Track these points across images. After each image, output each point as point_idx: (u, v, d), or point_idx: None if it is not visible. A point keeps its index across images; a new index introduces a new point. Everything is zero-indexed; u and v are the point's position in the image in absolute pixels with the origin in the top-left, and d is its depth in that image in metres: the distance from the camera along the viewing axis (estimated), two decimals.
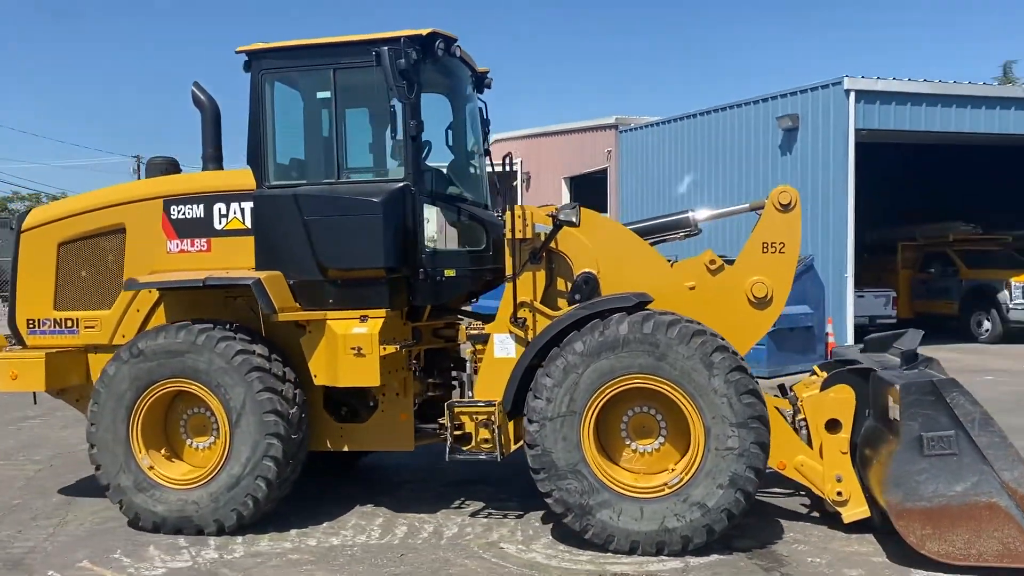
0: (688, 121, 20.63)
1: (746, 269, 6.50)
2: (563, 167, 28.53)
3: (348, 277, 6.42)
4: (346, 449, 6.86)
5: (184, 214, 6.86)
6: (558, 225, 6.34)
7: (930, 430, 5.30)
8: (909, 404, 5.32)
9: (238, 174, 7.08)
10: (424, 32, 6.38)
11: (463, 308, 7.63)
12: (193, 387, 6.33)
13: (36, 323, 7.19)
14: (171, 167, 7.54)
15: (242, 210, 6.75)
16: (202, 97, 7.37)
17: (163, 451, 6.56)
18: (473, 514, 6.73)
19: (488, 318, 7.19)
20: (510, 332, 6.49)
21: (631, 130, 24.30)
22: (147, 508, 6.34)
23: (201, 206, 6.83)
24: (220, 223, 6.79)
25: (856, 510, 5.97)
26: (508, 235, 6.41)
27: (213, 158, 7.39)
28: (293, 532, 6.37)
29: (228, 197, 6.78)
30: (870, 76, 15.84)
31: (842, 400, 6.06)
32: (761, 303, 6.42)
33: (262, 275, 6.34)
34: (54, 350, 7.00)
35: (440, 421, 6.88)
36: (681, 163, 21.17)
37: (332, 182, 6.57)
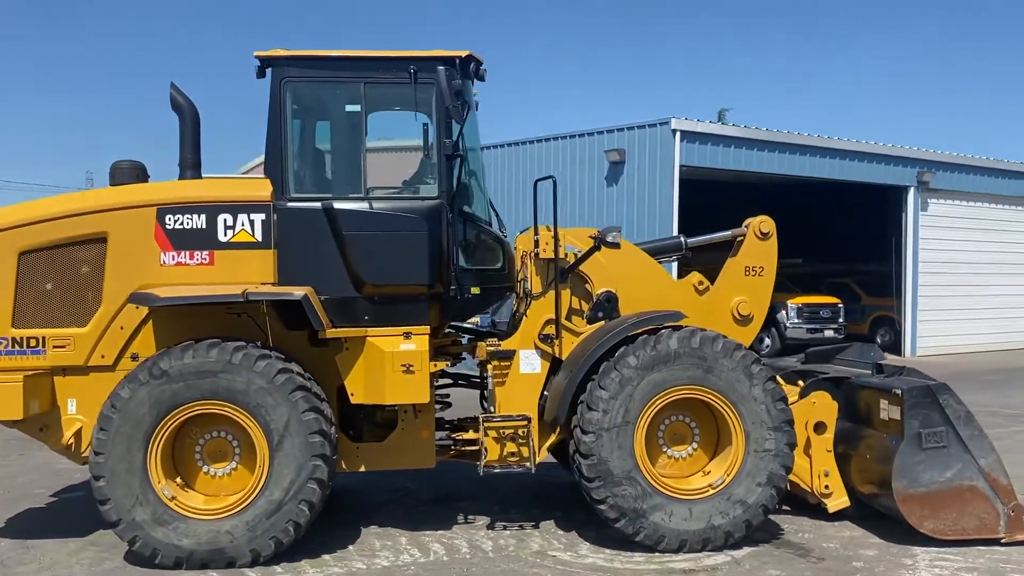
0: (521, 147, 21.57)
1: (730, 290, 7.26)
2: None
3: (386, 293, 6.34)
4: (363, 469, 6.70)
5: (182, 224, 6.40)
6: (597, 247, 6.71)
7: (926, 427, 6.29)
8: (910, 406, 6.28)
9: (247, 183, 6.75)
10: (463, 54, 6.50)
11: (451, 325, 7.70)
12: (226, 409, 5.92)
13: None
14: (141, 172, 6.97)
15: (251, 222, 6.42)
16: (181, 100, 6.93)
17: (177, 480, 6.05)
18: (489, 527, 6.84)
19: (480, 335, 7.39)
20: (536, 348, 6.74)
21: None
22: (170, 543, 5.81)
23: (203, 216, 6.41)
24: (225, 235, 6.41)
25: (839, 501, 6.85)
26: (542, 254, 6.66)
27: (192, 164, 6.96)
28: (327, 557, 6.15)
29: (235, 208, 6.43)
30: (691, 119, 17.60)
31: (827, 405, 6.94)
32: (744, 321, 7.19)
33: (304, 291, 6.09)
34: (14, 373, 6.20)
35: (454, 436, 6.96)
36: (512, 187, 22.03)
37: (360, 197, 6.46)
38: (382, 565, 5.99)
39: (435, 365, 6.39)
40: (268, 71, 6.48)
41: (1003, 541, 6.29)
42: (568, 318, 6.86)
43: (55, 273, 6.42)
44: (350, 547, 6.37)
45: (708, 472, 6.40)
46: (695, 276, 7.32)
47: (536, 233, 6.73)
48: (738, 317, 7.16)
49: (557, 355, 6.72)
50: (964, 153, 22.78)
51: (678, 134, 17.31)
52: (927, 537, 6.25)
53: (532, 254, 6.74)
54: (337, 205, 6.33)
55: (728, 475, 6.23)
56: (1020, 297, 23.84)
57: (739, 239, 7.43)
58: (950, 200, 22.44)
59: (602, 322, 6.75)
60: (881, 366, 7.13)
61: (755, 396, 6.22)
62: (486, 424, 6.52)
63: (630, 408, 6.13)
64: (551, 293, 6.76)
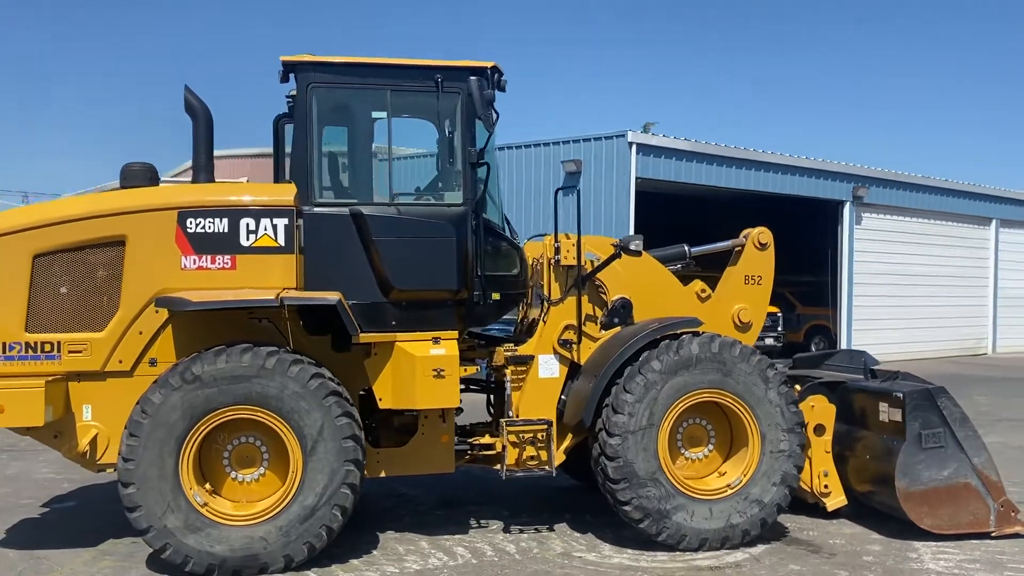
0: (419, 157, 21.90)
1: (731, 297, 7.55)
2: None
3: (414, 299, 6.40)
4: (383, 475, 6.72)
5: (204, 228, 6.34)
6: (618, 254, 6.91)
7: (926, 428, 6.67)
8: (912, 408, 6.65)
9: (269, 188, 6.72)
10: (489, 64, 6.62)
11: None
12: (259, 414, 5.89)
13: (1, 347, 6.14)
14: (153, 174, 6.87)
15: (274, 226, 6.40)
16: (195, 103, 6.88)
17: (206, 486, 5.98)
18: (505, 531, 6.95)
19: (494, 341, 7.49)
20: (555, 353, 6.89)
21: (417, 157, 24.78)
22: (203, 550, 5.74)
23: (225, 220, 6.37)
24: (248, 239, 6.38)
25: (837, 500, 7.19)
26: (563, 261, 6.82)
27: (206, 167, 6.91)
28: (356, 562, 6.17)
29: (258, 212, 6.40)
30: (645, 132, 18.06)
31: (825, 408, 7.27)
32: (744, 327, 7.48)
33: (336, 296, 6.11)
34: (31, 378, 6.05)
35: (470, 441, 7.04)
36: None
37: (386, 203, 6.52)
38: (414, 569, 6.03)
39: (464, 370, 6.48)
40: (293, 76, 6.50)
41: (993, 534, 6.70)
42: (583, 324, 7.03)
43: (71, 276, 6.27)
44: (375, 552, 6.40)
45: (724, 473, 6.64)
46: (697, 284, 7.59)
47: (556, 240, 6.88)
48: (739, 324, 7.45)
49: (576, 360, 6.89)
50: (896, 170, 23.92)
51: (634, 147, 17.73)
52: (924, 532, 6.62)
53: (552, 261, 6.89)
54: (365, 210, 6.37)
55: (745, 475, 6.49)
56: (948, 307, 25.11)
57: (738, 249, 7.74)
58: (883, 214, 23.50)
59: (618, 328, 6.95)
60: (874, 371, 7.51)
61: (771, 399, 6.50)
62: (508, 428, 6.63)
63: (654, 411, 6.34)
64: (569, 299, 6.92)
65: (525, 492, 8.23)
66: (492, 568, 6.06)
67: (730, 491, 6.47)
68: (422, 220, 6.45)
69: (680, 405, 6.42)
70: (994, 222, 27.15)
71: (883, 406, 6.93)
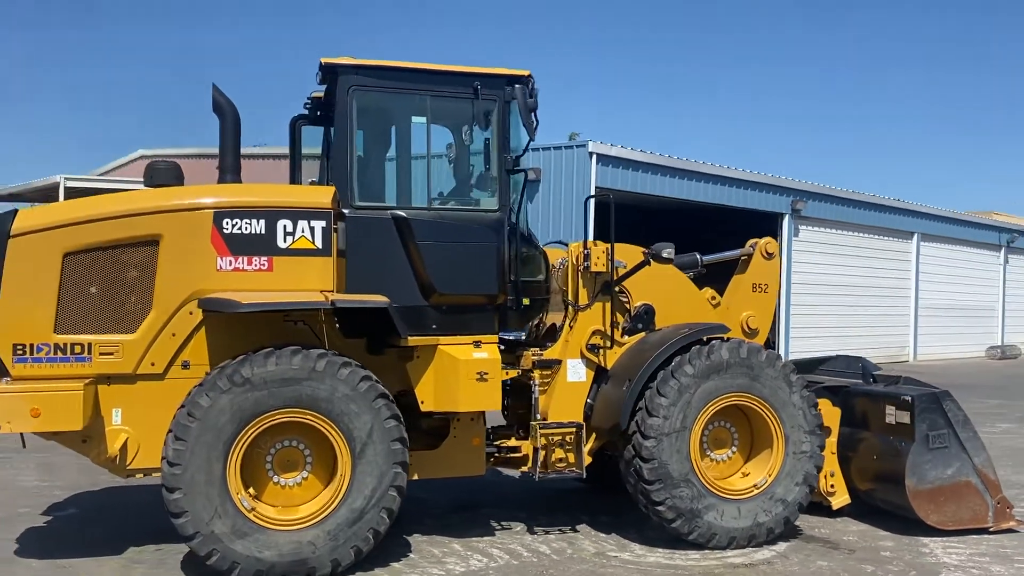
0: (439, 160, 21.80)
1: (740, 305, 7.83)
2: None
3: (454, 303, 6.45)
4: (415, 477, 6.72)
5: (240, 229, 6.26)
6: (647, 262, 7.08)
7: (933, 430, 7.05)
8: (920, 411, 7.02)
9: (306, 190, 6.67)
10: (525, 73, 6.73)
11: None
12: (308, 417, 5.84)
13: (28, 348, 5.93)
14: (180, 173, 6.75)
15: (312, 229, 6.37)
16: (222, 101, 6.80)
17: (250, 491, 5.89)
18: (531, 532, 7.04)
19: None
20: (582, 358, 7.03)
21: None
22: (251, 555, 5.65)
23: (262, 221, 6.30)
24: (285, 241, 6.32)
25: (841, 499, 7.52)
26: (592, 267, 6.96)
27: (233, 168, 6.83)
28: (398, 566, 6.17)
29: (296, 214, 6.35)
30: (607, 143, 18.39)
31: (831, 412, 7.59)
32: (752, 334, 7.77)
33: (385, 299, 6.11)
34: (65, 381, 5.88)
35: (496, 444, 7.10)
36: None
37: (424, 207, 6.56)
38: (458, 571, 6.07)
39: (506, 373, 6.55)
40: (333, 78, 6.48)
41: (991, 529, 7.12)
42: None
43: (102, 276, 6.10)
44: (411, 555, 6.40)
45: (747, 474, 6.89)
46: (708, 291, 7.85)
47: (586, 247, 7.02)
48: (747, 330, 7.72)
49: (603, 364, 7.03)
50: (831, 185, 24.97)
51: (595, 156, 18.03)
52: (925, 528, 6.99)
53: (581, 267, 7.02)
54: (408, 214, 6.39)
55: (770, 475, 6.74)
56: (874, 316, 26.27)
57: (744, 258, 8.03)
58: (818, 227, 24.46)
59: (642, 333, 7.13)
60: (876, 375, 7.89)
61: (794, 402, 6.77)
62: (542, 431, 6.72)
63: (687, 414, 6.53)
64: (596, 305, 7.07)
65: (535, 495, 8.34)
66: (535, 568, 6.14)
67: (756, 491, 6.71)
68: (464, 225, 6.51)
69: (711, 408, 6.63)
70: (915, 236, 28.54)
71: (890, 409, 7.29)
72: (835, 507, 7.48)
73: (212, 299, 5.95)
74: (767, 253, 7.96)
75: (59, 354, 5.98)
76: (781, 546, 6.72)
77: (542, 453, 6.74)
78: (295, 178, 7.78)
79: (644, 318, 7.18)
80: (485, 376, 6.30)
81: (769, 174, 23.03)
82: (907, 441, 7.06)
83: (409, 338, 6.29)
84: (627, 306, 7.20)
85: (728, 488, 6.70)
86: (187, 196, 6.39)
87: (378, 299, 6.10)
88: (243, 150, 7.05)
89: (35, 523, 7.19)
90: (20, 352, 5.91)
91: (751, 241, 8.09)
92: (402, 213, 6.41)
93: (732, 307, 7.80)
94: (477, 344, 6.44)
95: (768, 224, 23.66)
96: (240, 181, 6.90)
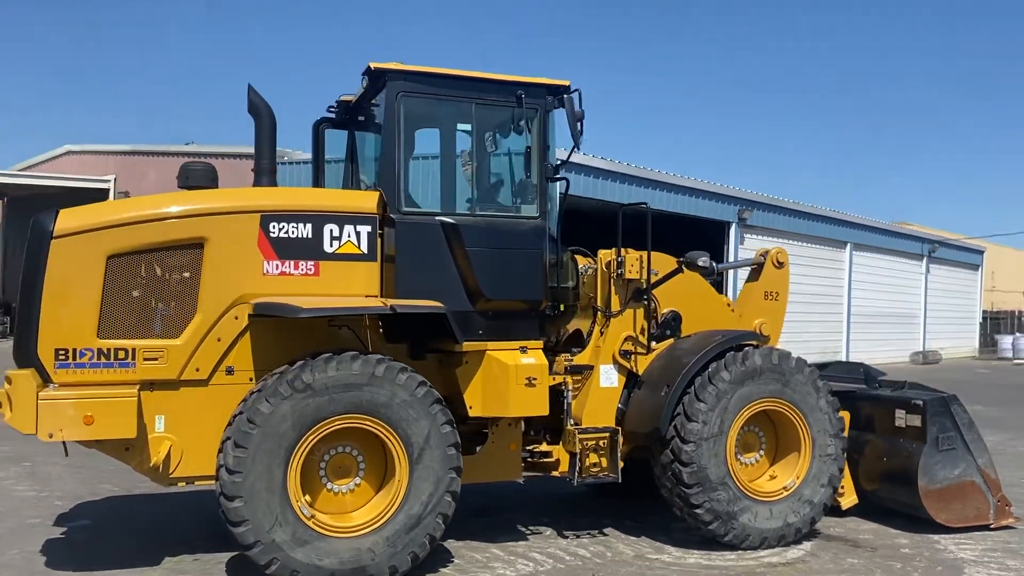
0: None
1: (754, 312, 8.09)
2: None
3: (500, 308, 6.50)
4: None
5: (287, 233, 6.21)
6: (680, 269, 7.25)
7: (942, 432, 7.42)
8: (932, 414, 7.38)
9: (351, 194, 6.64)
10: (566, 83, 6.82)
11: None
12: (367, 423, 5.80)
13: (70, 354, 5.74)
14: (215, 175, 6.63)
15: (358, 233, 6.35)
16: (259, 103, 6.71)
17: (306, 498, 5.81)
18: (561, 536, 7.12)
19: None
20: (615, 363, 7.15)
21: (286, 163, 24.11)
22: (310, 563, 5.59)
23: (309, 226, 6.25)
24: (331, 246, 6.29)
25: (850, 499, 7.84)
26: (627, 275, 7.10)
27: (269, 170, 6.75)
28: (447, 571, 6.17)
29: (342, 218, 6.33)
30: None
31: (843, 416, 7.90)
32: (763, 340, 8.02)
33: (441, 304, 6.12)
34: (122, 386, 5.74)
35: (529, 449, 7.16)
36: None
37: (468, 213, 6.59)
38: (511, 574, 6.11)
39: (553, 378, 6.62)
40: (380, 83, 6.45)
41: (992, 526, 7.53)
42: (639, 336, 7.33)
43: (146, 279, 5.96)
44: (456, 560, 6.41)
45: (774, 476, 7.12)
46: (724, 298, 8.09)
47: (620, 255, 7.15)
48: (759, 337, 7.98)
49: (634, 370, 7.17)
50: (775, 195, 25.78)
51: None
52: (933, 526, 7.35)
53: (615, 274, 7.15)
54: (457, 220, 6.42)
55: (798, 478, 6.98)
56: (811, 322, 27.16)
57: (755, 267, 8.29)
58: (762, 236, 25.19)
59: (670, 340, 7.30)
60: (881, 381, 8.25)
61: (821, 407, 7.04)
62: (580, 436, 6.81)
63: (724, 419, 6.72)
64: (628, 311, 7.21)
65: (542, 499, 8.42)
66: (583, 572, 6.23)
67: (786, 492, 6.94)
68: (511, 231, 6.57)
69: (745, 413, 6.84)
70: (848, 245, 29.68)
71: (900, 413, 7.63)
72: (844, 507, 7.78)
73: (270, 304, 5.86)
74: (778, 263, 8.23)
75: (102, 359, 5.81)
76: (807, 545, 6.97)
77: (590, 456, 6.83)
78: (318, 181, 7.71)
79: (672, 324, 7.35)
80: (534, 381, 6.36)
81: (718, 183, 23.66)
82: (918, 443, 7.41)
83: (472, 343, 6.31)
84: (655, 313, 7.36)
85: (759, 490, 6.92)
86: (234, 199, 6.30)
87: (435, 304, 6.11)
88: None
89: (51, 534, 6.91)
90: (62, 357, 5.71)
91: (761, 250, 8.37)
92: (451, 219, 6.42)
93: (745, 314, 8.04)
94: (523, 350, 6.49)
95: (716, 232, 24.32)
96: (276, 184, 6.81)
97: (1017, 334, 39.04)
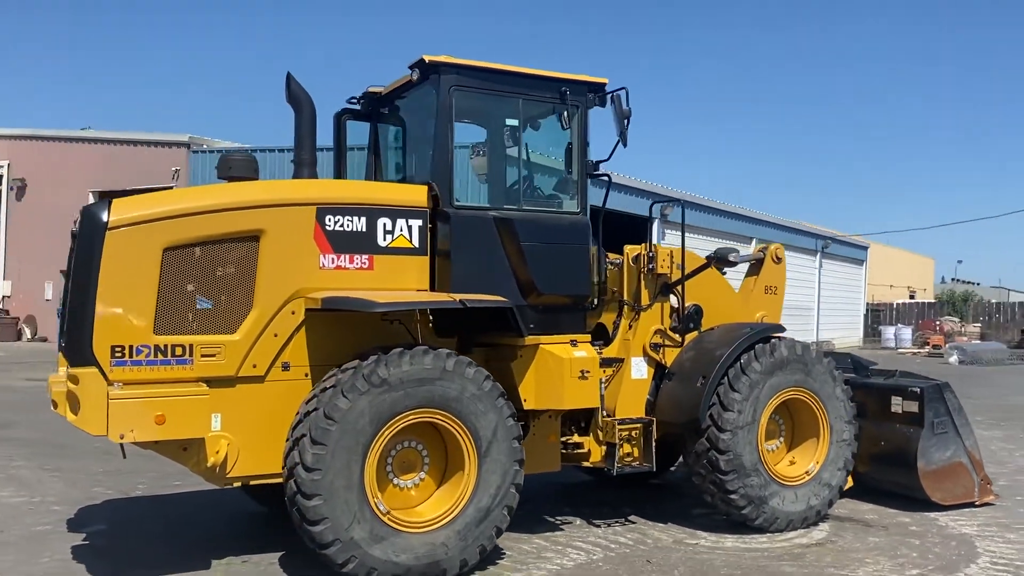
0: (268, 154, 21.53)
1: (756, 305, 8.45)
2: (93, 180, 25.43)
3: (550, 303, 6.58)
4: None
5: (343, 226, 6.12)
6: (708, 264, 7.49)
7: (937, 417, 7.96)
8: (928, 400, 7.91)
9: (401, 188, 6.56)
10: (605, 80, 6.95)
11: None
12: (437, 417, 5.77)
13: (127, 351, 5.48)
14: (257, 167, 6.45)
15: (409, 227, 6.32)
16: (299, 92, 6.58)
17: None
18: (593, 525, 7.27)
19: None
20: (645, 356, 7.35)
21: (205, 151, 23.33)
22: (388, 560, 5.53)
23: (364, 219, 6.18)
24: (384, 240, 6.24)
25: (848, 482, 8.29)
26: (658, 269, 7.30)
27: (310, 162, 6.63)
28: (504, 562, 6.22)
29: (395, 212, 6.28)
30: None
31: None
32: (784, 331, 8.40)
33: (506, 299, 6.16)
34: (192, 384, 5.56)
35: (563, 440, 7.27)
36: None
37: (516, 208, 6.64)
38: (570, 564, 6.21)
39: (604, 371, 6.74)
40: (432, 75, 6.41)
41: (976, 503, 8.14)
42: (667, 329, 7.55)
43: (200, 273, 5.74)
44: (509, 552, 6.45)
45: (794, 462, 7.47)
46: (736, 293, 8.41)
47: (651, 250, 7.34)
48: (781, 329, 8.34)
49: (663, 362, 7.38)
50: (695, 193, 26.64)
51: None
52: (927, 504, 7.90)
53: (646, 269, 7.34)
54: (510, 214, 6.45)
55: (818, 462, 7.36)
56: None
57: (755, 262, 8.66)
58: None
59: (694, 333, 7.55)
60: (873, 370, 8.77)
61: (837, 395, 7.44)
62: (619, 427, 6.97)
63: (756, 408, 7.02)
64: (656, 305, 7.42)
65: (549, 491, 8.52)
66: (637, 558, 6.39)
67: (808, 477, 7.31)
68: (561, 226, 6.66)
69: (774, 402, 7.16)
70: (754, 241, 30.88)
71: (896, 399, 8.14)
72: (844, 489, 8.23)
73: (343, 298, 5.75)
74: (776, 258, 8.62)
75: (159, 356, 5.57)
76: (824, 527, 7.36)
77: (624, 446, 6.99)
78: (340, 173, 7.58)
79: (695, 318, 7.60)
80: (587, 374, 6.48)
81: (638, 179, 24.27)
82: (916, 428, 7.92)
83: (534, 336, 6.36)
84: (679, 306, 7.59)
85: (784, 475, 7.26)
86: (290, 191, 6.14)
87: (501, 299, 6.13)
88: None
89: (72, 541, 6.56)
90: (119, 355, 5.45)
91: (760, 246, 8.73)
92: (506, 214, 6.46)
93: (750, 307, 8.38)
94: (574, 343, 6.59)
95: (641, 226, 24.90)
96: (317, 175, 6.68)
97: (899, 325, 41.62)
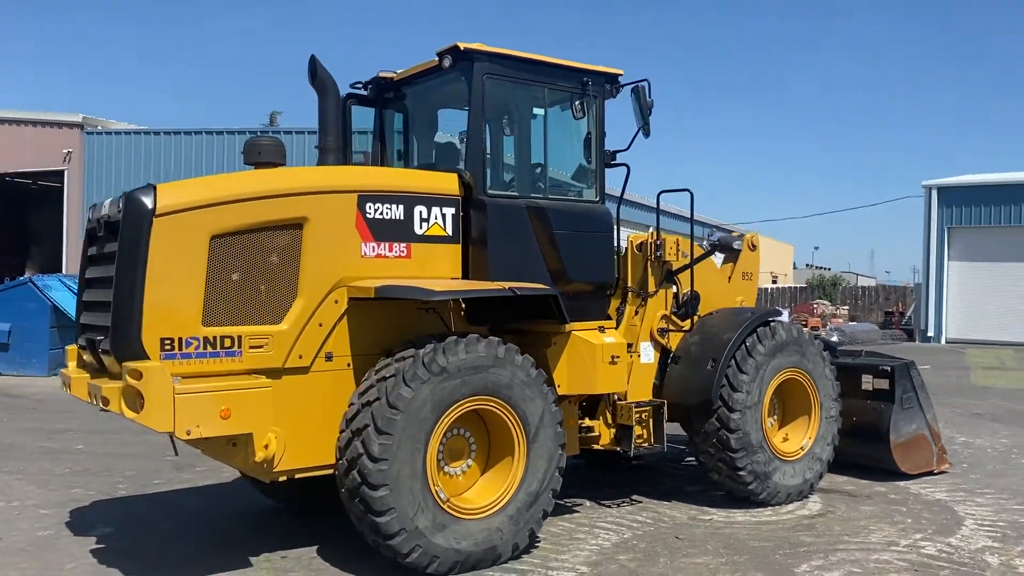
0: (165, 137, 20.89)
1: (735, 290, 8.84)
2: None
3: (576, 290, 6.70)
4: None
5: (382, 214, 6.07)
6: (711, 252, 7.76)
7: (904, 393, 8.57)
8: (898, 377, 8.51)
9: (433, 175, 6.51)
10: (621, 72, 7.11)
11: None
12: (490, 404, 5.81)
13: (177, 343, 5.28)
14: (284, 152, 6.29)
15: (443, 215, 6.32)
16: (324, 77, 6.47)
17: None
18: (602, 506, 7.48)
19: None
20: (652, 340, 7.59)
21: (101, 133, 22.12)
22: (450, 547, 5.55)
23: (401, 207, 6.15)
24: (420, 228, 6.23)
25: None
26: (667, 257, 7.53)
27: (336, 148, 6.55)
28: (546, 546, 6.32)
29: (430, 200, 6.27)
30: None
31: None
32: (780, 315, 8.82)
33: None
34: (252, 376, 5.42)
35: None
36: (152, 175, 20.94)
37: (541, 196, 6.72)
38: (608, 544, 6.38)
39: (631, 356, 6.90)
40: (465, 63, 6.39)
41: (935, 471, 8.83)
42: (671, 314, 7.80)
43: (244, 261, 5.57)
44: (540, 535, 6.54)
45: (787, 438, 7.89)
46: (724, 279, 8.77)
47: (659, 238, 7.57)
48: (777, 312, 8.75)
49: (668, 347, 7.64)
50: None
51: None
52: (894, 474, 8.51)
53: (652, 256, 7.56)
54: (543, 203, 6.53)
55: (810, 439, 7.80)
56: None
57: (732, 250, 9.04)
58: None
59: (693, 317, 7.84)
60: (840, 350, 9.33)
61: (826, 375, 7.90)
62: (636, 410, 7.17)
63: (761, 388, 7.38)
64: (660, 291, 7.66)
65: None
66: (664, 534, 6.62)
67: (802, 452, 7.74)
68: (588, 215, 6.78)
69: (775, 382, 7.54)
70: (650, 229, 31.90)
71: (866, 377, 8.70)
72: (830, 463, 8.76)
73: (399, 286, 5.69)
74: (752, 245, 9.02)
75: (208, 348, 5.38)
76: (815, 499, 7.81)
77: (636, 428, 7.19)
78: (345, 157, 7.43)
79: (693, 303, 7.89)
80: (616, 359, 6.64)
81: None
82: (887, 404, 8.51)
83: (574, 323, 6.46)
84: (678, 292, 7.86)
85: (783, 451, 7.66)
86: (333, 177, 6.04)
87: (546, 288, 6.21)
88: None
89: (86, 544, 6.23)
90: (168, 347, 5.23)
91: (737, 233, 9.11)
92: (536, 202, 6.53)
93: (731, 292, 8.75)
94: (602, 329, 6.75)
95: None
96: (343, 162, 6.56)
97: (777, 308, 43.80)
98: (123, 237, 5.23)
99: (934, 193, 34.16)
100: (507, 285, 6.04)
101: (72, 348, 6.23)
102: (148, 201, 5.23)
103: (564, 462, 6.18)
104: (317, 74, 6.39)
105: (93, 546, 6.20)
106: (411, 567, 5.49)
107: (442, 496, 5.60)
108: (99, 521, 6.82)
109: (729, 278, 8.86)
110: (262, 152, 6.09)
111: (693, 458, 8.05)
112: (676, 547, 6.33)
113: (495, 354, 5.80)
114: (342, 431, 5.54)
